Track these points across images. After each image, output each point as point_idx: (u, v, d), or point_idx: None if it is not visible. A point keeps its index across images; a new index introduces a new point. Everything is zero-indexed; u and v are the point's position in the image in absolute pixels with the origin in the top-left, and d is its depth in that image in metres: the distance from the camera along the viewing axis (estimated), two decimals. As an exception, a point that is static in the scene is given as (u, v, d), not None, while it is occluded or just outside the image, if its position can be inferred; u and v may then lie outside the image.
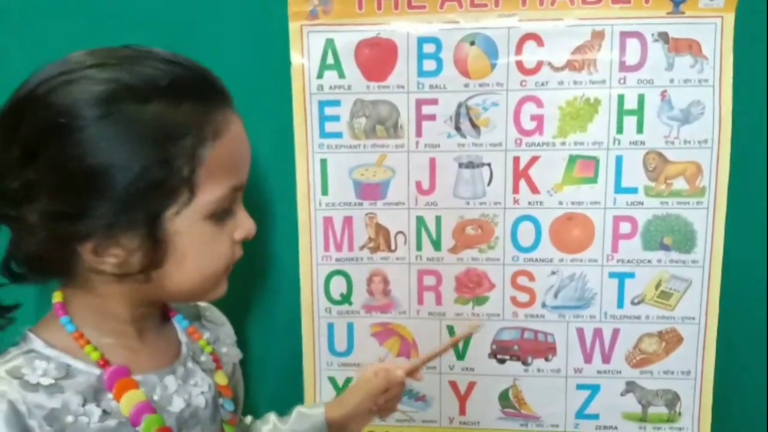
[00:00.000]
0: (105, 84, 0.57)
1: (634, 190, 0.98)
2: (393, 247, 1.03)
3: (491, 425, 1.06)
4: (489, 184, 1.00)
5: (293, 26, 0.97)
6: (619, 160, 0.98)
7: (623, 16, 0.95)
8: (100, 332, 0.65)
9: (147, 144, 0.57)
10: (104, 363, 0.63)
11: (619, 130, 0.97)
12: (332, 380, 1.07)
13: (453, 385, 1.05)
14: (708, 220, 0.98)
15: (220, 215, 0.63)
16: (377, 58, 0.98)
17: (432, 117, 0.99)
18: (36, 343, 0.63)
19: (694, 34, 0.94)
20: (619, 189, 0.98)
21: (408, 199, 1.01)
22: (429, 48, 0.97)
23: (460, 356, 1.04)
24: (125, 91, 0.57)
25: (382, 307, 1.04)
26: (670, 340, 1.01)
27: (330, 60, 0.98)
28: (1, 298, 0.64)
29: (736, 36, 0.93)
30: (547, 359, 1.03)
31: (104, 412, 0.62)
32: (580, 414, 1.04)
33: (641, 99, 0.96)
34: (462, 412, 1.06)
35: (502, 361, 1.04)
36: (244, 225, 0.66)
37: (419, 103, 0.99)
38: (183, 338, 0.73)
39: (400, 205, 1.01)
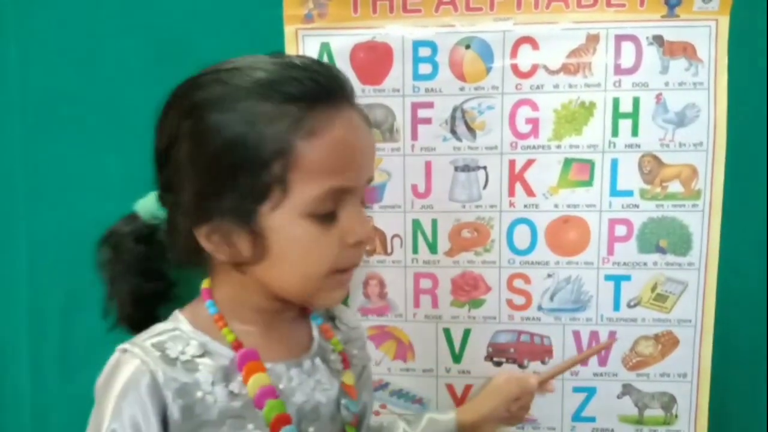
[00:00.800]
0: (223, 86, 0.63)
1: (629, 193, 0.98)
2: (389, 250, 1.03)
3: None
4: (485, 187, 1.00)
5: (288, 30, 0.98)
6: (614, 163, 0.98)
7: (618, 20, 0.95)
8: (237, 319, 0.70)
9: (243, 140, 0.60)
10: (238, 345, 0.68)
11: (615, 133, 0.97)
12: (329, 383, 1.07)
13: (449, 387, 1.05)
14: (703, 222, 0.98)
15: (322, 216, 0.63)
16: (373, 61, 0.98)
17: (428, 120, 0.99)
18: (182, 322, 0.69)
19: (688, 37, 0.94)
20: (614, 192, 0.98)
21: (404, 203, 1.01)
22: (424, 51, 0.97)
23: (457, 359, 1.04)
24: (247, 90, 0.62)
25: (378, 310, 1.04)
26: (666, 342, 1.01)
27: (325, 64, 0.98)
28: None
29: (731, 39, 0.93)
30: (543, 362, 1.03)
31: (231, 393, 0.66)
32: (577, 417, 1.04)
33: (636, 102, 0.96)
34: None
35: (498, 364, 1.04)
36: (355, 228, 0.66)
37: (415, 107, 0.99)
38: (316, 335, 0.76)
39: (396, 208, 1.01)
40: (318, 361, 0.74)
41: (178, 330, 0.68)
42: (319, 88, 0.63)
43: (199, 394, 0.64)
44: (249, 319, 0.70)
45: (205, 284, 0.72)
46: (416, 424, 0.92)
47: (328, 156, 0.62)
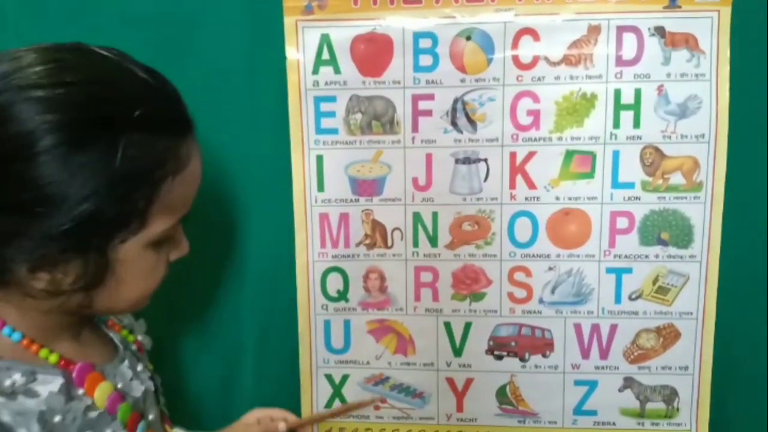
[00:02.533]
0: (67, 110, 0.53)
1: (631, 185, 0.98)
2: (389, 244, 1.02)
3: (489, 422, 1.05)
4: (485, 179, 0.99)
5: (288, 21, 0.97)
6: (615, 155, 0.97)
7: (620, 11, 0.94)
8: (45, 335, 0.63)
9: (105, 179, 0.54)
10: (66, 363, 0.62)
11: (616, 125, 0.97)
12: (329, 377, 1.06)
13: (450, 381, 1.05)
14: (705, 214, 0.97)
15: (161, 242, 0.62)
16: (373, 53, 0.97)
17: (428, 112, 0.98)
18: None
19: (690, 28, 0.94)
20: (616, 184, 0.98)
21: (404, 195, 1.01)
22: (425, 43, 0.97)
23: (457, 353, 1.04)
24: (89, 121, 0.53)
25: (378, 304, 1.04)
26: (668, 335, 1.01)
27: (325, 55, 0.97)
28: None
29: (733, 30, 0.93)
30: (544, 355, 1.03)
31: (86, 407, 0.62)
32: (578, 410, 1.04)
33: (638, 94, 0.96)
34: (459, 408, 1.06)
35: (499, 358, 1.04)
36: (181, 247, 0.66)
37: (415, 99, 0.98)
38: (110, 332, 0.74)
39: (397, 201, 1.01)
40: (127, 352, 0.72)
41: None
42: (183, 118, 0.60)
43: (57, 418, 0.59)
44: (57, 336, 0.64)
45: None
46: None
47: (186, 189, 0.61)
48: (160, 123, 0.57)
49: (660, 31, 0.94)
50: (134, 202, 0.56)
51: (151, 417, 0.70)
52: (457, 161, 0.99)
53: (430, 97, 0.98)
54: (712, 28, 0.93)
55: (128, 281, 0.61)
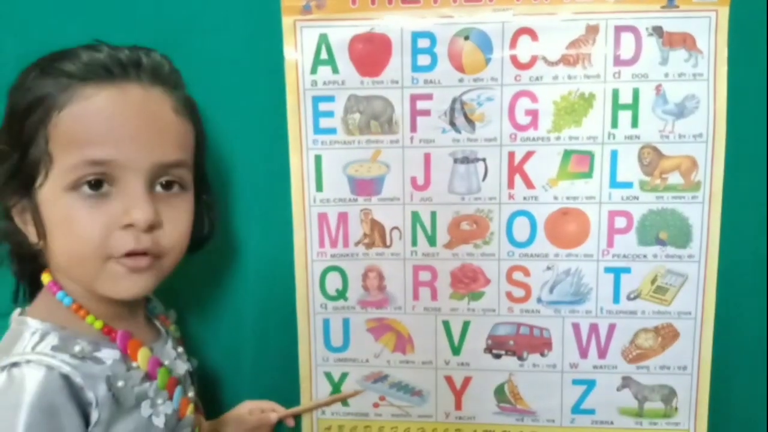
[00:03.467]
0: (30, 67, 0.66)
1: (629, 185, 0.98)
2: (388, 243, 1.03)
3: (487, 420, 1.06)
4: (484, 179, 1.00)
5: (286, 21, 0.97)
6: (614, 154, 0.97)
7: (618, 10, 0.94)
8: (93, 303, 0.67)
9: (11, 121, 0.64)
10: (109, 330, 0.67)
11: (614, 124, 0.97)
12: (328, 376, 1.07)
13: (449, 380, 1.05)
14: (703, 214, 0.97)
15: (89, 192, 0.62)
16: (371, 53, 0.98)
17: (426, 112, 0.99)
18: (45, 325, 0.64)
19: (688, 28, 0.94)
20: (614, 184, 0.98)
21: (403, 195, 1.01)
22: (423, 43, 0.97)
23: (456, 351, 1.04)
24: (16, 80, 0.66)
25: (377, 303, 1.04)
26: (666, 335, 1.01)
27: (324, 55, 0.98)
28: None
29: (731, 30, 0.93)
30: (542, 354, 1.03)
31: (144, 375, 0.67)
32: (576, 409, 1.04)
33: (636, 93, 0.96)
34: (458, 406, 1.06)
35: (497, 356, 1.04)
36: (128, 211, 0.63)
37: (414, 99, 0.98)
38: (158, 324, 0.79)
39: (395, 200, 1.01)
40: (171, 338, 0.78)
41: (55, 332, 0.64)
42: (99, 65, 0.64)
43: (120, 383, 0.63)
44: (98, 309, 0.68)
45: (46, 278, 0.68)
46: None
47: (83, 125, 0.62)
48: (52, 66, 0.64)
49: (658, 31, 0.94)
50: (34, 140, 0.62)
51: (190, 394, 0.74)
52: (455, 161, 1.00)
53: (429, 96, 0.98)
54: (710, 28, 0.93)
55: (55, 232, 0.63)
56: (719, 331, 1.00)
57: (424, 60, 0.97)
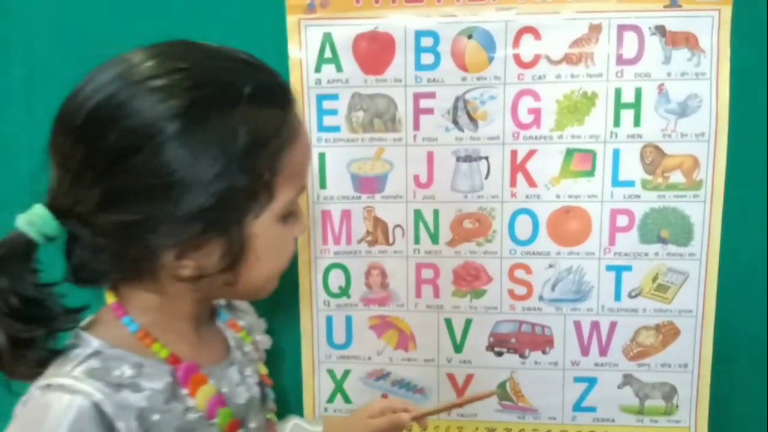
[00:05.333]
0: (189, 92, 0.55)
1: (631, 184, 0.98)
2: (391, 241, 1.03)
3: (489, 417, 1.06)
4: (486, 177, 1.00)
5: (291, 20, 0.98)
6: (616, 153, 0.98)
7: (620, 9, 0.95)
8: (162, 329, 0.63)
9: (233, 154, 0.56)
10: (174, 360, 0.62)
11: (617, 123, 0.97)
12: (331, 372, 1.07)
13: (451, 377, 1.06)
14: (705, 213, 0.98)
15: (287, 216, 0.63)
16: (375, 51, 0.98)
17: (430, 110, 0.99)
18: (97, 343, 0.60)
19: (691, 27, 0.94)
20: (616, 182, 0.98)
21: (406, 193, 1.01)
22: (427, 41, 0.98)
23: (458, 349, 1.05)
24: (210, 99, 0.56)
25: (380, 300, 1.05)
26: (667, 333, 1.01)
27: (328, 54, 0.98)
28: (67, 301, 0.61)
29: (733, 29, 0.93)
30: (544, 352, 1.03)
31: (185, 408, 0.62)
32: (578, 406, 1.04)
33: (638, 92, 0.96)
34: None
35: (499, 354, 1.04)
36: (302, 222, 0.66)
37: (417, 97, 0.99)
38: (227, 332, 0.73)
39: (398, 198, 1.02)
40: (240, 355, 0.72)
41: (101, 353, 0.60)
42: (287, 91, 0.62)
43: (156, 417, 0.59)
44: (173, 328, 0.65)
45: (110, 299, 0.64)
46: (282, 425, 0.90)
47: (302, 157, 0.62)
48: (268, 96, 0.59)
49: (660, 30, 0.95)
50: (260, 174, 0.58)
51: (252, 425, 0.69)
52: (458, 159, 1.00)
53: (432, 95, 0.99)
54: (712, 28, 0.94)
55: (264, 257, 0.62)
56: (720, 328, 1.00)
57: (427, 59, 0.98)
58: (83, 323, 0.63)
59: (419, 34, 0.97)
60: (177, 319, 0.65)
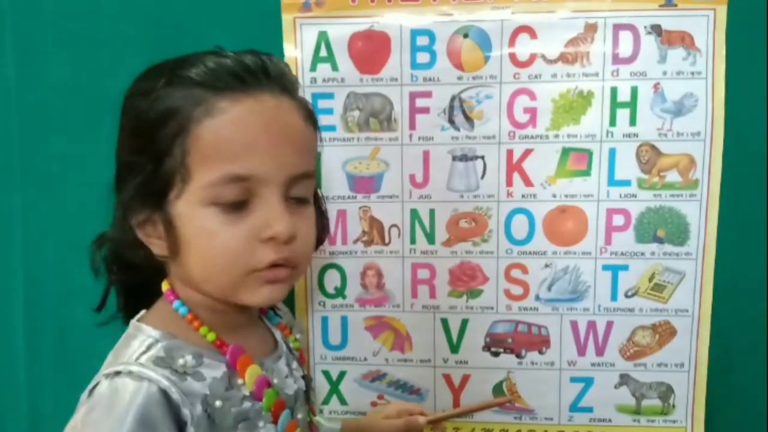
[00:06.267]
0: (135, 83, 0.66)
1: (627, 183, 0.98)
2: (387, 241, 1.02)
3: (485, 418, 1.06)
4: (482, 177, 1.00)
5: (286, 18, 0.97)
6: (612, 152, 0.98)
7: (616, 9, 0.95)
8: (207, 318, 0.66)
9: (141, 132, 0.62)
10: (221, 343, 0.65)
11: (612, 122, 0.97)
12: (326, 374, 1.07)
13: (447, 378, 1.05)
14: (701, 212, 0.98)
15: (229, 207, 0.61)
16: (370, 50, 0.98)
17: (425, 110, 0.99)
18: (156, 333, 0.64)
19: (686, 26, 0.94)
20: (612, 181, 0.98)
21: (402, 192, 1.01)
22: (422, 40, 0.97)
23: (454, 349, 1.04)
24: (135, 86, 0.65)
25: (376, 301, 1.04)
26: (664, 332, 1.01)
27: (323, 53, 0.98)
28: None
29: (729, 28, 0.93)
30: (540, 352, 1.03)
31: (244, 396, 0.64)
32: (574, 407, 1.04)
33: (634, 91, 0.96)
34: (456, 404, 1.06)
35: (495, 354, 1.04)
36: (268, 223, 0.62)
37: (413, 96, 0.99)
38: (276, 332, 0.76)
39: (394, 198, 1.01)
40: (286, 350, 0.74)
41: (161, 341, 0.63)
42: (230, 74, 0.62)
43: (218, 403, 0.61)
44: (215, 321, 0.67)
45: (165, 286, 0.68)
46: None
47: (224, 139, 0.60)
48: (188, 78, 0.61)
49: (656, 29, 0.95)
50: (165, 150, 0.60)
51: (299, 416, 0.71)
52: (454, 159, 1.00)
53: (428, 94, 0.98)
54: (708, 27, 0.94)
55: (195, 247, 0.62)
56: (716, 328, 1.00)
57: (423, 58, 0.98)
58: (139, 315, 0.67)
59: (415, 33, 0.97)
60: (215, 312, 0.67)
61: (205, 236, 0.62)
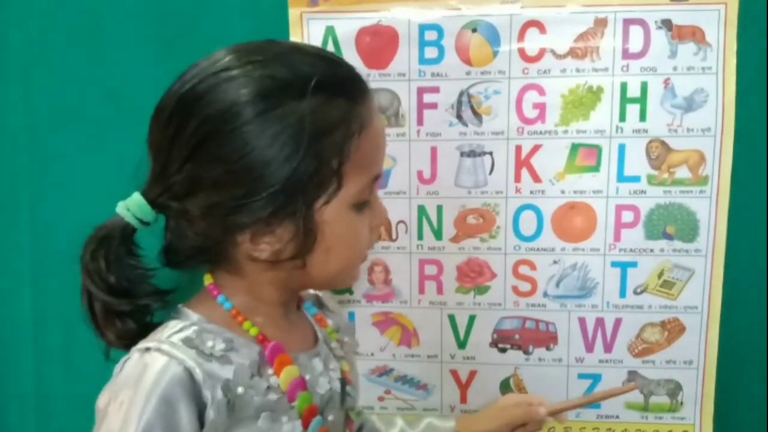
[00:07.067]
0: (261, 81, 0.60)
1: (636, 179, 0.97)
2: (394, 237, 1.02)
3: (492, 414, 1.06)
4: (491, 172, 0.99)
5: (293, 13, 0.97)
6: (621, 148, 0.97)
7: (626, 3, 0.94)
8: (251, 312, 0.68)
9: (301, 139, 0.59)
10: (263, 338, 0.66)
11: (622, 118, 0.96)
12: (333, 369, 1.07)
13: (454, 373, 1.05)
14: (711, 209, 0.97)
15: (361, 205, 0.65)
16: (378, 45, 0.97)
17: (433, 105, 0.98)
18: (196, 317, 0.66)
19: (697, 21, 0.93)
20: (621, 178, 0.98)
21: (409, 188, 1.01)
22: (430, 35, 0.97)
23: (462, 345, 1.04)
24: (281, 88, 0.60)
25: (383, 297, 1.04)
26: (673, 329, 1.01)
27: (330, 48, 0.97)
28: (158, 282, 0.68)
29: (740, 23, 0.92)
30: (548, 348, 1.03)
31: (268, 387, 0.64)
32: (582, 403, 1.04)
33: (644, 87, 0.95)
34: (463, 400, 1.06)
35: (503, 350, 1.04)
36: (380, 212, 0.69)
37: (420, 91, 0.98)
38: (314, 324, 0.76)
39: (402, 194, 1.01)
40: (325, 347, 0.74)
41: (197, 325, 0.65)
42: (360, 83, 0.65)
43: (240, 390, 0.62)
44: (263, 313, 0.69)
45: (208, 280, 0.69)
46: (415, 425, 0.91)
47: (372, 147, 0.65)
48: (335, 87, 0.62)
49: (667, 24, 0.94)
50: (326, 161, 0.61)
51: (329, 417, 0.70)
52: (462, 154, 0.99)
53: (436, 89, 0.98)
54: (719, 21, 0.93)
55: (336, 246, 0.65)
56: (725, 325, 1.00)
57: (431, 53, 0.97)
58: (188, 302, 0.68)
59: (423, 28, 0.96)
60: (265, 303, 0.69)
61: (347, 236, 0.65)
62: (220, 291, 0.68)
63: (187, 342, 0.62)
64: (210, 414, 0.60)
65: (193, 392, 0.60)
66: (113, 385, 0.61)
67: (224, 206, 0.61)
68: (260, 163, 0.60)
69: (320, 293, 0.82)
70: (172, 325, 0.65)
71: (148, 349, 0.61)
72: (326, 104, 0.61)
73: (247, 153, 0.59)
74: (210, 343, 0.63)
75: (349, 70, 0.66)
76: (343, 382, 0.74)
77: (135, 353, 0.62)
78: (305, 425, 0.66)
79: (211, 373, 0.61)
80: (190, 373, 0.60)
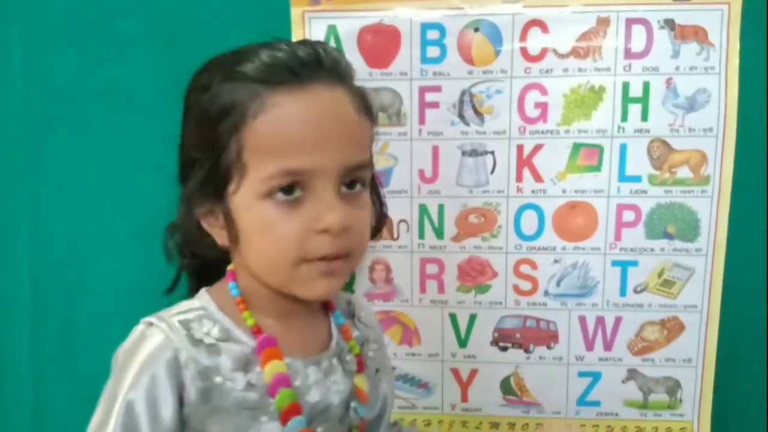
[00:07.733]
0: (200, 74, 0.66)
1: (638, 179, 0.98)
2: (395, 236, 1.02)
3: (493, 412, 1.06)
4: (492, 172, 0.99)
5: (295, 12, 0.96)
6: (623, 148, 0.97)
7: (629, 3, 0.94)
8: (256, 307, 0.68)
9: (201, 127, 0.64)
10: (257, 330, 0.66)
11: (624, 118, 0.96)
12: (334, 367, 1.07)
13: (455, 372, 1.06)
14: (712, 208, 0.97)
15: (280, 199, 0.61)
16: (380, 44, 0.97)
17: (435, 104, 0.98)
18: (208, 303, 0.67)
19: (700, 21, 0.93)
20: (623, 177, 0.98)
21: (411, 187, 1.01)
22: (433, 34, 0.96)
23: (462, 344, 1.04)
24: (195, 81, 0.66)
25: (384, 295, 1.04)
26: (672, 328, 1.01)
27: (332, 47, 0.97)
28: None
29: (743, 23, 0.92)
30: (549, 347, 1.03)
31: (249, 383, 0.65)
32: (582, 401, 1.04)
33: (646, 87, 0.95)
34: (464, 399, 1.06)
35: (504, 349, 1.04)
36: (321, 216, 0.62)
37: (422, 91, 0.98)
38: (335, 334, 0.73)
39: (403, 193, 1.01)
40: (335, 361, 0.71)
41: (203, 310, 0.67)
42: (284, 68, 0.62)
43: (218, 379, 0.63)
44: (266, 308, 0.68)
45: (231, 266, 0.70)
46: None
47: (278, 134, 0.61)
48: (255, 72, 0.62)
49: (669, 24, 0.93)
50: (226, 145, 0.62)
51: (319, 430, 0.68)
52: (463, 153, 0.99)
53: (437, 89, 0.97)
54: (722, 21, 0.93)
55: (253, 237, 0.64)
56: (725, 324, 1.00)
57: (433, 52, 0.97)
58: (214, 284, 0.71)
59: (425, 27, 0.96)
60: (265, 298, 0.68)
61: (261, 229, 0.63)
62: (234, 278, 0.69)
63: (183, 324, 0.64)
64: (188, 395, 0.62)
65: (175, 371, 0.62)
66: (123, 346, 0.65)
67: (183, 195, 0.67)
68: (186, 152, 0.67)
69: (353, 301, 0.80)
70: (183, 305, 0.68)
71: (149, 324, 0.64)
72: (230, 90, 0.62)
73: (183, 138, 0.67)
74: (205, 328, 0.65)
75: (290, 55, 0.62)
76: (351, 397, 0.72)
77: (141, 324, 0.65)
78: (283, 422, 0.65)
79: (194, 357, 0.63)
80: (176, 353, 0.62)
